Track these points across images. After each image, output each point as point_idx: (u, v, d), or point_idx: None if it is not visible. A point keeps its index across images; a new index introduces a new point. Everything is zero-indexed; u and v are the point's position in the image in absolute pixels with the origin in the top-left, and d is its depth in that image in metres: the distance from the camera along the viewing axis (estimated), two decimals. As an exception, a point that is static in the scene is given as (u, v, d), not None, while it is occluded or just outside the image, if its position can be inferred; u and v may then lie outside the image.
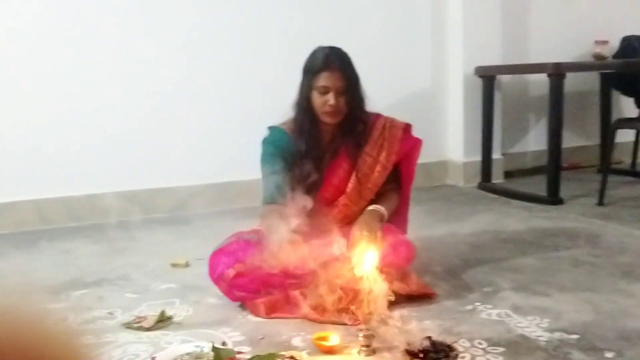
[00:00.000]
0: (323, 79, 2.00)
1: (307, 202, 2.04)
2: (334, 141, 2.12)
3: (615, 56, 4.14)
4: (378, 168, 2.12)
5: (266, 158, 2.10)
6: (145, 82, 3.32)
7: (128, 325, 1.89)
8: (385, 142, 2.13)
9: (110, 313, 2.00)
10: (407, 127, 2.19)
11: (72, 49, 3.18)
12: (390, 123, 2.17)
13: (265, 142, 2.13)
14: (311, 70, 2.04)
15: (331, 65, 2.00)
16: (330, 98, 1.99)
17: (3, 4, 3.06)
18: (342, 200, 2.11)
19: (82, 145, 3.23)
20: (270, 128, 2.15)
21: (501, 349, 1.64)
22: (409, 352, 1.44)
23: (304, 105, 2.07)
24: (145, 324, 1.88)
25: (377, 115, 2.18)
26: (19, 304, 0.61)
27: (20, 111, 3.12)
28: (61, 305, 2.08)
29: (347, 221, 2.08)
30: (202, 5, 3.39)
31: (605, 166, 3.34)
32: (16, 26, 3.08)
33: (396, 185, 2.20)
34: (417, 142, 2.21)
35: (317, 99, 2.03)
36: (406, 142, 2.17)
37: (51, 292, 2.21)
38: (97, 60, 3.22)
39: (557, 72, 3.34)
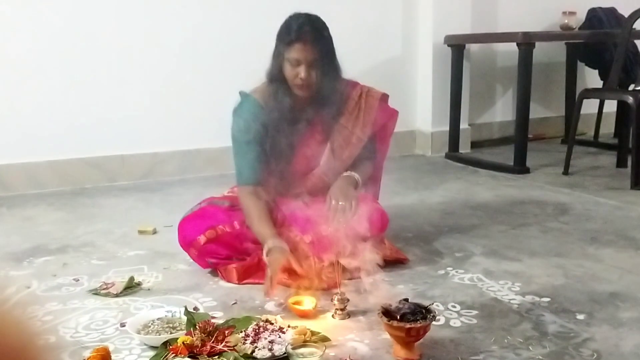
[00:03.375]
0: (295, 51, 1.90)
1: (282, 178, 2.01)
2: (307, 111, 2.03)
3: (582, 27, 4.17)
4: (353, 140, 2.05)
5: (238, 134, 2.00)
6: (111, 46, 3.21)
7: (95, 292, 1.84)
8: (361, 112, 2.06)
9: (76, 280, 1.94)
10: (383, 97, 2.11)
11: (28, 12, 3.04)
12: (367, 93, 2.09)
13: (236, 113, 2.03)
14: (284, 40, 1.93)
15: (304, 37, 1.90)
16: (302, 71, 1.90)
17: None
18: (317, 172, 2.06)
19: (45, 109, 3.12)
20: (242, 94, 2.05)
21: (475, 312, 1.65)
22: (385, 314, 1.43)
23: (276, 75, 1.98)
24: (113, 290, 1.83)
25: (354, 84, 2.11)
26: None
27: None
28: (24, 272, 2.02)
29: (322, 193, 2.03)
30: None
31: (571, 136, 3.38)
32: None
33: (370, 154, 2.13)
34: (393, 113, 2.15)
35: (288, 70, 1.94)
36: (382, 113, 2.10)
37: (13, 259, 2.14)
38: (57, 23, 3.09)
39: (526, 42, 3.35)
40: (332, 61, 1.98)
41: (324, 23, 1.98)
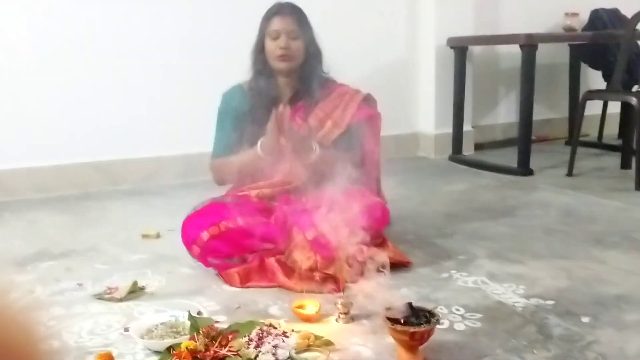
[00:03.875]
0: (274, 24, 2.06)
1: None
2: (292, 97, 2.13)
3: (585, 29, 4.16)
4: (329, 124, 2.11)
5: (220, 113, 2.20)
6: (113, 51, 3.21)
7: (99, 297, 1.84)
8: (343, 102, 2.13)
9: (80, 284, 1.94)
10: (367, 97, 2.18)
11: (32, 17, 3.05)
12: (355, 91, 2.18)
13: (223, 96, 2.21)
14: (265, 18, 2.10)
15: (282, 10, 2.07)
16: (282, 42, 2.04)
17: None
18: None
19: (48, 114, 3.12)
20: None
21: (479, 315, 1.64)
22: (388, 318, 1.43)
23: (258, 53, 2.12)
24: (116, 295, 1.83)
25: (343, 84, 2.20)
26: None
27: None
28: (28, 277, 2.02)
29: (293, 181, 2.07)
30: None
31: (575, 138, 3.37)
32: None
33: (351, 149, 2.09)
34: (374, 113, 2.18)
35: (269, 45, 2.07)
36: (363, 110, 2.15)
37: (17, 263, 2.14)
38: (59, 27, 3.10)
39: (529, 43, 3.35)
40: (312, 38, 2.11)
41: (302, 10, 2.13)
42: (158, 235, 2.42)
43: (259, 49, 2.12)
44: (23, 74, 3.07)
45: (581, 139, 3.57)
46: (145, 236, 2.41)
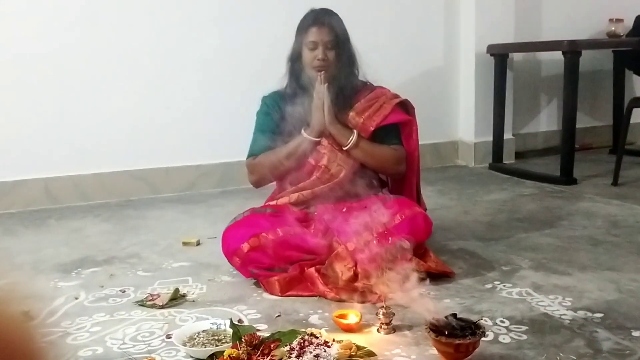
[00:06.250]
0: (312, 34, 2.06)
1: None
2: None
3: (629, 35, 4.06)
4: (360, 121, 2.09)
5: (258, 114, 2.22)
6: (154, 61, 3.27)
7: (141, 303, 1.86)
8: (378, 103, 2.11)
9: (123, 291, 1.97)
10: (406, 102, 2.16)
11: (77, 28, 3.12)
12: (393, 95, 2.16)
13: (262, 99, 2.24)
14: (301, 28, 2.10)
15: (320, 20, 2.07)
16: (319, 52, 2.05)
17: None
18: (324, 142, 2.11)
19: (91, 123, 3.19)
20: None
21: (524, 328, 1.60)
22: (432, 329, 1.40)
23: (294, 62, 2.13)
24: (158, 302, 1.84)
25: (383, 87, 2.19)
26: None
27: (27, 90, 3.07)
28: (72, 283, 2.05)
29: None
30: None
31: (621, 146, 3.29)
32: (19, 9, 3.03)
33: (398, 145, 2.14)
34: (409, 119, 2.15)
35: (307, 55, 2.08)
36: (399, 113, 2.13)
37: (61, 270, 2.18)
38: (102, 38, 3.16)
39: (572, 50, 3.28)
40: (348, 46, 2.11)
41: (337, 14, 2.12)
42: (198, 243, 2.44)
43: (296, 58, 2.13)
44: (67, 86, 3.13)
45: (626, 147, 3.47)
46: (185, 244, 2.43)
